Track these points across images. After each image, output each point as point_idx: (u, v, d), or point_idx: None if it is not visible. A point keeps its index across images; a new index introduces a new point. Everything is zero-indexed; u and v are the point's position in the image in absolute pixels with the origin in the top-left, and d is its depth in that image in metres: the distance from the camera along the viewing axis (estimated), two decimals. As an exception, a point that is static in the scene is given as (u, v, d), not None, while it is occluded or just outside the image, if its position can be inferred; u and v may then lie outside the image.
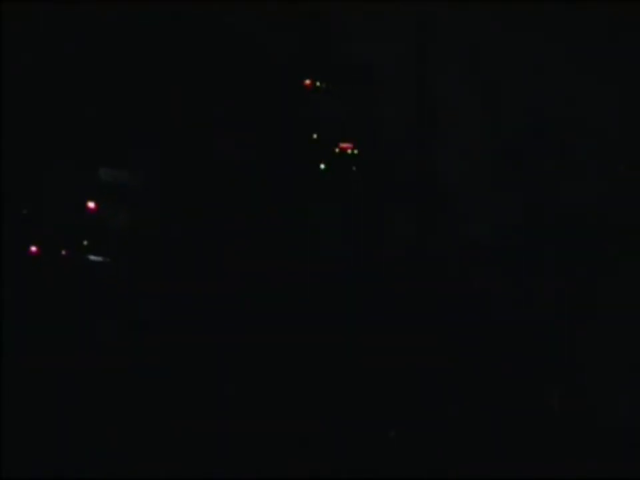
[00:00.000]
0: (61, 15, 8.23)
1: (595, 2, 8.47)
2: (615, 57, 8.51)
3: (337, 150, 8.63)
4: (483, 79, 8.65)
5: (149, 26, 8.38)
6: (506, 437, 7.94)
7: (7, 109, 8.03)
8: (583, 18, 8.50)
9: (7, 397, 7.41)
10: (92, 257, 8.02)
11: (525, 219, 8.51)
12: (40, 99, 8.18)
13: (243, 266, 8.13)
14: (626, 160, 8.50)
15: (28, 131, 8.12)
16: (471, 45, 8.64)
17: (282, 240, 8.34)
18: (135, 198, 8.21)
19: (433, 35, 8.66)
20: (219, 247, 8.20)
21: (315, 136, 8.61)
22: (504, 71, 8.62)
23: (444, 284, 8.41)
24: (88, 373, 7.60)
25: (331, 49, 8.69)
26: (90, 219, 8.10)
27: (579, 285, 8.36)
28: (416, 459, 7.82)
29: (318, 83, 8.67)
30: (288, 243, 8.35)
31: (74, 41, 8.25)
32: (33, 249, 7.89)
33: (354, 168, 8.64)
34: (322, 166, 8.58)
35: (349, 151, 8.64)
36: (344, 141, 8.64)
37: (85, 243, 8.02)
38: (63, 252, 7.97)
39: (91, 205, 8.10)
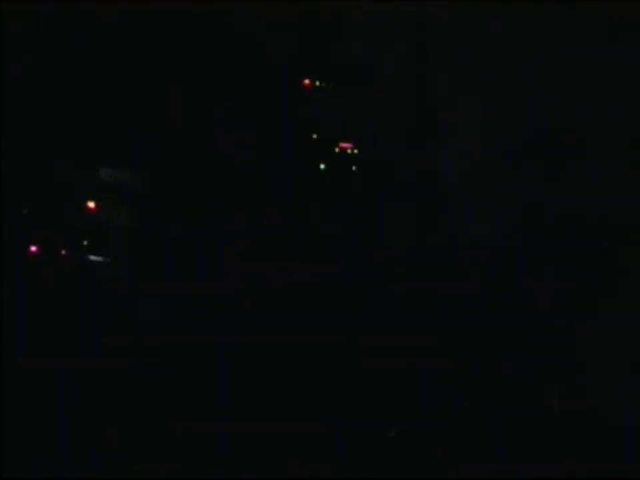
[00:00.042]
0: (61, 15, 8.23)
1: (594, 2, 8.47)
2: (614, 57, 8.51)
3: (336, 150, 8.63)
4: (482, 78, 8.65)
5: (149, 26, 8.39)
6: (506, 436, 7.94)
7: (6, 109, 8.04)
8: (583, 18, 8.50)
9: (7, 396, 7.41)
10: (92, 257, 8.02)
11: (524, 219, 8.51)
12: (40, 99, 8.18)
13: (243, 266, 8.13)
14: (626, 160, 8.50)
15: (28, 130, 8.13)
16: (471, 45, 8.64)
17: (282, 240, 8.34)
18: (134, 198, 8.22)
19: (433, 35, 8.67)
20: (219, 247, 8.21)
21: (314, 136, 8.61)
22: (504, 70, 8.62)
23: (444, 284, 8.41)
24: (88, 373, 7.61)
25: (330, 49, 8.69)
26: (90, 219, 8.11)
27: (579, 285, 8.36)
28: (416, 458, 7.82)
29: (318, 83, 8.67)
30: (288, 242, 8.35)
31: (74, 41, 8.25)
32: (33, 249, 7.89)
33: (354, 168, 8.64)
34: (322, 166, 8.58)
35: (349, 151, 8.64)
36: (344, 141, 8.64)
37: (85, 242, 8.03)
38: (63, 252, 7.97)
39: (91, 205, 8.10)
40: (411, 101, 8.66)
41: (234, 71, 8.52)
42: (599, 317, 8.28)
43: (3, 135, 8.02)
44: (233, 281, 8.09)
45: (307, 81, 8.65)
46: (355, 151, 8.64)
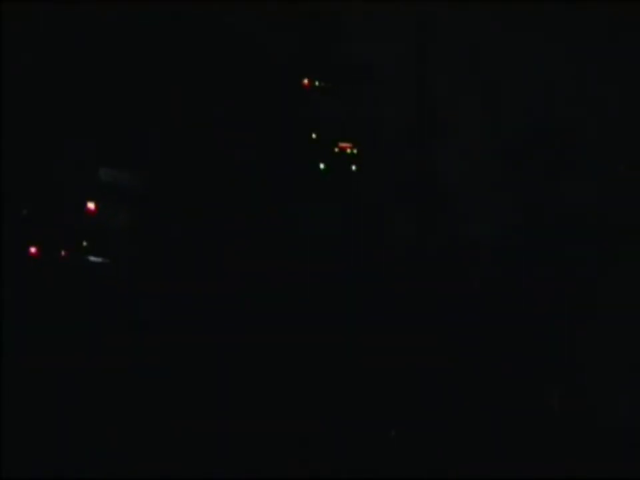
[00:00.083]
0: (61, 15, 8.22)
1: (595, 2, 8.47)
2: (615, 57, 8.51)
3: (336, 150, 8.63)
4: (483, 78, 8.65)
5: (149, 26, 8.38)
6: (506, 436, 7.94)
7: (6, 109, 8.03)
8: (583, 18, 8.50)
9: (7, 396, 7.41)
10: (92, 258, 8.02)
11: (525, 219, 8.51)
12: (40, 99, 8.18)
13: (243, 266, 8.13)
14: (626, 160, 8.50)
15: (28, 131, 8.12)
16: (471, 45, 8.64)
17: (281, 240, 8.34)
18: (134, 198, 8.21)
19: (433, 35, 8.66)
20: (219, 247, 8.20)
21: (314, 136, 8.61)
22: (504, 70, 8.62)
23: (444, 284, 8.41)
24: (88, 373, 7.61)
25: (330, 48, 8.69)
26: (90, 219, 8.10)
27: (579, 285, 8.36)
28: (416, 458, 7.82)
29: (318, 83, 8.67)
30: (287, 242, 8.35)
31: (74, 41, 8.25)
32: (33, 249, 7.89)
33: (354, 168, 8.64)
34: (322, 166, 8.58)
35: (349, 151, 8.64)
36: (343, 141, 8.64)
37: (85, 243, 8.03)
38: (63, 253, 7.97)
39: (91, 205, 8.10)
40: (411, 101, 8.66)
41: (234, 70, 8.52)
42: (598, 317, 8.28)
43: (2, 135, 8.01)
44: (232, 280, 8.09)
45: (306, 81, 8.65)
46: (355, 151, 8.64)
